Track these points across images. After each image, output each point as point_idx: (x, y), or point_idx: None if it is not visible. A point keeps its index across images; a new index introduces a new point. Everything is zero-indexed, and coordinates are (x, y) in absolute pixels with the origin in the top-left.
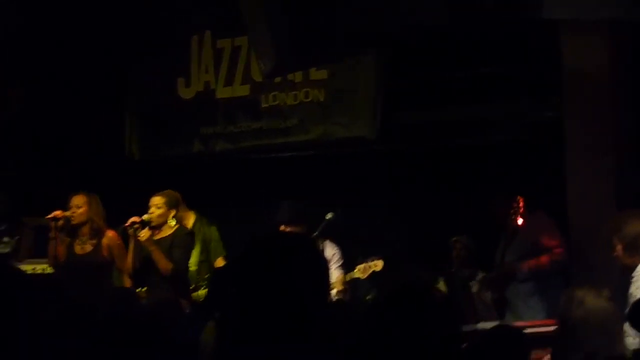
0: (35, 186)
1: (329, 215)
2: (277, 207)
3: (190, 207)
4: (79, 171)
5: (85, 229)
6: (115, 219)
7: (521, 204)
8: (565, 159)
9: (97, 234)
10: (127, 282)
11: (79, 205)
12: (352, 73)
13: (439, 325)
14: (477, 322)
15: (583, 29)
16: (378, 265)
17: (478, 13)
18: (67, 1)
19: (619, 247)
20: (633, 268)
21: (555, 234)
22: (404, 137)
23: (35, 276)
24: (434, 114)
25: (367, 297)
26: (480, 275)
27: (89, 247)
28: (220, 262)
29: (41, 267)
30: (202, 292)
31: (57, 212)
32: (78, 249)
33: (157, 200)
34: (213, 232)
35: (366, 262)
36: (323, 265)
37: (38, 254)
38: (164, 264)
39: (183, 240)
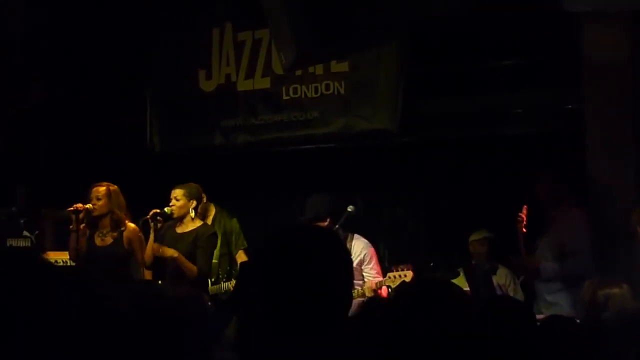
0: (56, 179)
1: (350, 208)
2: (303, 203)
3: (211, 199)
4: (100, 163)
5: (106, 221)
6: (136, 211)
7: (525, 213)
8: (586, 151)
9: (118, 226)
10: (147, 275)
11: (100, 197)
12: (373, 65)
13: (457, 321)
14: None
15: (604, 20)
16: (408, 276)
17: (500, 4)
18: None
19: None
20: None
21: (584, 238)
22: (426, 129)
23: (62, 268)
24: (455, 105)
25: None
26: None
27: (109, 239)
28: (241, 255)
29: (62, 259)
30: (222, 285)
31: (78, 205)
32: (99, 241)
33: (177, 192)
34: (234, 224)
35: (396, 270)
36: (347, 259)
37: (58, 246)
38: (189, 270)
39: (207, 241)
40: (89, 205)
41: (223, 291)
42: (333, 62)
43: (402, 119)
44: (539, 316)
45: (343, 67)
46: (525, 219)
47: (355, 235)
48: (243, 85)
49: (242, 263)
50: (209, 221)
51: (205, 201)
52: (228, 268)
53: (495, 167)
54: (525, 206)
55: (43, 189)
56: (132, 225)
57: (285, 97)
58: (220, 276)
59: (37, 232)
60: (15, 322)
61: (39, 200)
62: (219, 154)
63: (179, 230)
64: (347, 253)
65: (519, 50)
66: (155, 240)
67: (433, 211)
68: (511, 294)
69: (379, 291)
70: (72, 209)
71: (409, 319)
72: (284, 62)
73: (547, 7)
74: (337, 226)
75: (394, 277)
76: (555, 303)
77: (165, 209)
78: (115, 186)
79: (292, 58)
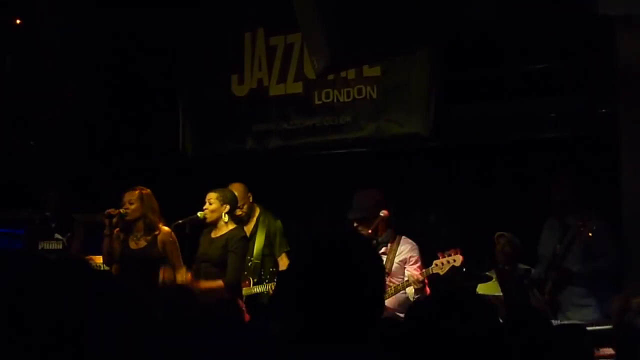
0: (88, 183)
1: (382, 213)
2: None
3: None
4: (133, 168)
5: (140, 225)
6: (168, 215)
7: (586, 228)
8: (619, 156)
9: (151, 229)
10: (181, 277)
11: (132, 202)
12: (405, 69)
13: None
14: None
15: (637, 24)
16: (457, 260)
17: (533, 8)
18: None
19: None
20: None
21: (612, 239)
22: (458, 134)
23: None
24: (488, 110)
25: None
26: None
27: (143, 243)
28: (283, 258)
29: (95, 264)
30: (266, 285)
31: (111, 209)
32: (133, 244)
33: (211, 196)
34: (278, 225)
35: (444, 256)
36: (379, 267)
37: (89, 250)
38: (218, 289)
39: (237, 245)
40: (122, 210)
41: (266, 292)
42: (365, 67)
43: (434, 124)
44: (567, 322)
45: (375, 71)
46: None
47: (404, 237)
48: (275, 90)
49: (279, 272)
50: (253, 221)
51: (251, 201)
52: (272, 269)
53: (528, 171)
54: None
55: (75, 193)
56: (165, 228)
57: (317, 102)
58: (263, 277)
59: (68, 235)
60: (59, 330)
61: (71, 204)
62: (250, 158)
63: (213, 235)
64: (380, 260)
65: (552, 55)
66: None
67: (465, 216)
68: (539, 296)
69: (425, 281)
70: (105, 213)
71: (433, 329)
72: (317, 67)
73: (580, 11)
74: (370, 230)
75: (442, 263)
76: (584, 306)
77: (198, 214)
78: (148, 190)
79: (324, 63)
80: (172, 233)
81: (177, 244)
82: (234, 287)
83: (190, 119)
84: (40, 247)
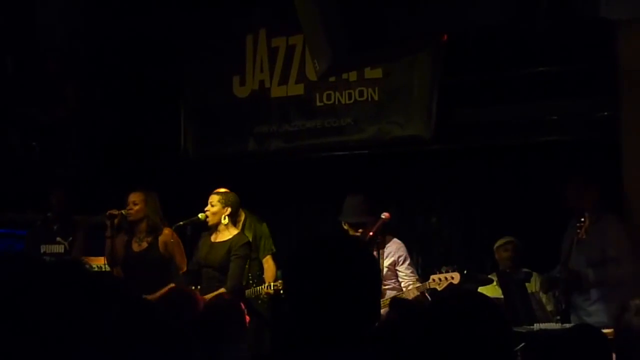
0: (89, 184)
1: (384, 215)
2: (340, 205)
3: (245, 205)
4: (134, 170)
5: (143, 226)
6: (170, 217)
7: (587, 219)
8: (622, 158)
9: (154, 231)
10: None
11: (136, 202)
12: (407, 72)
13: (486, 333)
14: (533, 323)
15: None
16: (455, 277)
17: (535, 12)
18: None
19: None
20: None
21: (624, 243)
22: (460, 136)
23: (100, 273)
24: (490, 113)
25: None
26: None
27: (145, 244)
28: (268, 260)
29: (96, 265)
30: (252, 289)
31: (113, 210)
32: (135, 246)
33: (213, 198)
34: (264, 229)
35: (441, 272)
36: (376, 270)
37: (91, 252)
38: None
39: (240, 251)
40: (123, 211)
41: (253, 296)
42: (367, 69)
43: (436, 127)
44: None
45: (377, 73)
46: (587, 225)
47: (388, 237)
48: (277, 92)
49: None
50: (239, 226)
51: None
52: (258, 272)
53: (530, 175)
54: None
55: (77, 195)
56: (168, 229)
57: (318, 104)
58: (251, 281)
59: (70, 238)
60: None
61: (73, 206)
62: (252, 160)
63: (213, 239)
64: (377, 263)
65: (554, 58)
66: (188, 248)
67: (467, 219)
68: (544, 300)
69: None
70: (107, 214)
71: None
72: (318, 69)
73: (582, 15)
74: (371, 233)
75: (439, 279)
76: (595, 312)
77: (199, 215)
78: (152, 191)
79: (326, 65)
80: (174, 234)
81: (181, 244)
82: (236, 292)
83: (192, 121)
84: (42, 251)
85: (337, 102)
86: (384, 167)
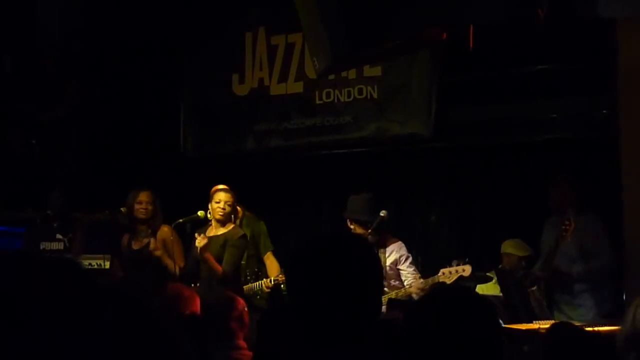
0: (89, 183)
1: (382, 213)
2: (341, 201)
3: (244, 203)
4: (133, 168)
5: (145, 225)
6: (169, 215)
7: (572, 225)
8: (620, 157)
9: (155, 230)
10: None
11: (148, 202)
12: (407, 70)
13: (479, 330)
14: (532, 320)
15: (639, 27)
16: (466, 270)
17: (534, 10)
18: None
19: None
20: None
21: (604, 239)
22: (459, 135)
23: (95, 272)
24: (489, 111)
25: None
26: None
27: (145, 242)
28: (269, 257)
29: (96, 263)
30: (250, 285)
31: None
32: (135, 244)
33: (224, 196)
34: (262, 227)
35: (451, 266)
36: (378, 267)
37: (90, 250)
38: (214, 270)
39: (236, 242)
40: (122, 209)
41: (251, 292)
42: (366, 67)
43: (435, 125)
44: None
45: (376, 71)
46: (573, 227)
47: (389, 237)
48: (276, 90)
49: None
50: (237, 222)
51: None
52: (256, 269)
53: (529, 172)
54: (571, 219)
55: (76, 193)
56: (166, 227)
57: (318, 102)
58: (249, 277)
59: (70, 235)
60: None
61: (73, 204)
62: (251, 158)
63: (208, 233)
64: (379, 261)
65: (553, 57)
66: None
67: (466, 217)
68: (539, 296)
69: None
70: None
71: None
72: (317, 67)
73: (581, 14)
74: (370, 230)
75: (449, 272)
76: (579, 305)
77: (199, 213)
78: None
79: (325, 63)
80: (174, 231)
81: (180, 242)
82: (230, 279)
83: (191, 119)
84: (41, 248)
85: (336, 100)
86: (383, 165)
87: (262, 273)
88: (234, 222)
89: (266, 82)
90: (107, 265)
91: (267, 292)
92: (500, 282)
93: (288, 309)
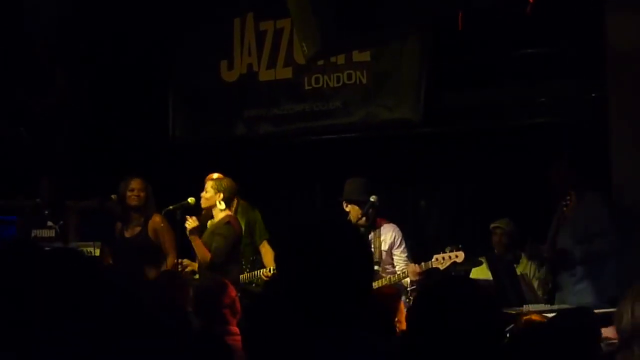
0: (80, 170)
1: (372, 198)
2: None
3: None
4: (123, 155)
5: (137, 213)
6: (159, 202)
7: (573, 198)
8: (611, 140)
9: (148, 218)
10: (170, 262)
11: (140, 189)
12: (395, 55)
13: (478, 315)
14: (522, 304)
15: (628, 8)
16: (460, 256)
17: None
18: None
19: None
20: None
21: (606, 219)
22: (449, 120)
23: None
24: (479, 95)
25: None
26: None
27: (136, 230)
28: (265, 245)
29: (86, 250)
30: (246, 275)
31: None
32: (127, 232)
33: (207, 184)
34: (256, 215)
35: (444, 252)
36: (367, 252)
37: (82, 237)
38: (201, 253)
39: (223, 229)
40: (113, 196)
41: (247, 281)
42: (355, 52)
43: (425, 110)
44: (564, 306)
45: (365, 56)
46: (573, 202)
47: (384, 221)
48: (265, 75)
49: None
50: (232, 211)
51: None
52: (252, 258)
53: (520, 157)
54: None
55: (67, 180)
56: (157, 215)
57: (307, 87)
58: (244, 266)
59: (61, 222)
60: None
61: (63, 191)
62: (241, 144)
63: (207, 224)
64: (368, 246)
65: (543, 40)
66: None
67: (456, 202)
68: (535, 283)
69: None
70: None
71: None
72: (306, 52)
73: None
74: (360, 216)
75: (442, 258)
76: (581, 290)
77: (189, 200)
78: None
79: (314, 48)
80: (164, 219)
81: (171, 230)
82: (217, 267)
83: (181, 106)
84: (33, 235)
85: (325, 86)
86: (372, 151)
87: (258, 262)
88: (230, 211)
89: (255, 68)
90: (97, 252)
91: (265, 281)
92: (490, 267)
93: (278, 293)
